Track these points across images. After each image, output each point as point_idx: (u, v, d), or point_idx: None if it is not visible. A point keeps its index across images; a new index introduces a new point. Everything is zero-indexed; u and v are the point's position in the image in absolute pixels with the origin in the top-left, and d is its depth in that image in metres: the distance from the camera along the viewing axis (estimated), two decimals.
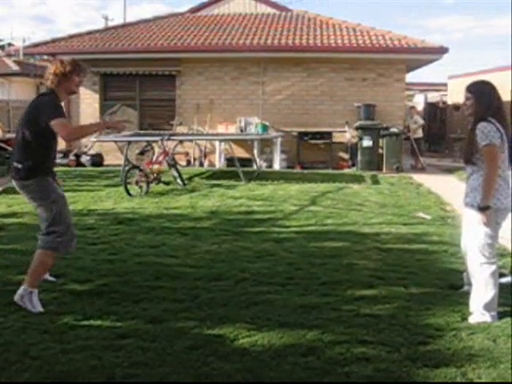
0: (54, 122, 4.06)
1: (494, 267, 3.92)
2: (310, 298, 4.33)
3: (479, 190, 3.90)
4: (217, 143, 14.28)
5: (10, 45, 17.27)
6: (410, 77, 20.28)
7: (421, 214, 7.88)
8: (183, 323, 3.84)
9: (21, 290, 4.20)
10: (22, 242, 6.20)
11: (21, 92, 22.52)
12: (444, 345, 3.49)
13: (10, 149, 15.64)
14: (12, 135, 16.59)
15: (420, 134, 15.30)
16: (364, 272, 5.08)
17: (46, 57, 15.69)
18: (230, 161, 13.26)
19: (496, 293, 3.90)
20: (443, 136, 20.32)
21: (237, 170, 11.40)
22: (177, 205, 8.64)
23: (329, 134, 14.15)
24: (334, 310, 4.06)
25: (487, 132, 3.80)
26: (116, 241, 6.34)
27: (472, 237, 3.99)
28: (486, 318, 3.86)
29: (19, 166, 4.21)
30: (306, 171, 13.39)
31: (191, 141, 14.11)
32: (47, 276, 4.85)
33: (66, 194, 9.49)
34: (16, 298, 4.21)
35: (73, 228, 4.38)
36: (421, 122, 15.35)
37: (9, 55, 17.83)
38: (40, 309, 4.16)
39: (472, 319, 3.88)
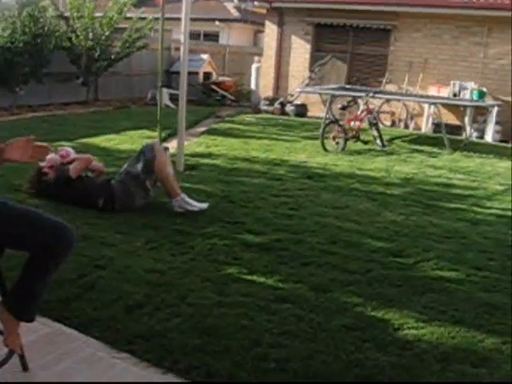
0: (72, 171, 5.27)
1: None
2: (497, 296, 3.72)
3: None
4: (426, 106, 13.38)
5: None
6: None
7: None
8: (348, 297, 3.55)
9: (174, 203, 5.12)
10: (210, 183, 6.32)
11: (239, 38, 23.33)
12: None
13: (220, 91, 16.34)
14: (225, 78, 17.31)
15: None
16: None
17: (257, 3, 15.83)
18: (438, 126, 12.35)
19: None
20: None
21: (443, 136, 10.56)
22: (371, 166, 8.23)
23: None
24: None
25: None
26: (300, 196, 6.19)
27: None
28: None
29: None
30: None
31: (398, 100, 13.39)
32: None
33: (264, 141, 9.71)
34: (176, 209, 5.09)
35: None
36: None
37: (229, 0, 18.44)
38: (199, 205, 5.12)
39: None
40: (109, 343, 2.92)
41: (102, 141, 8.82)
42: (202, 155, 8.18)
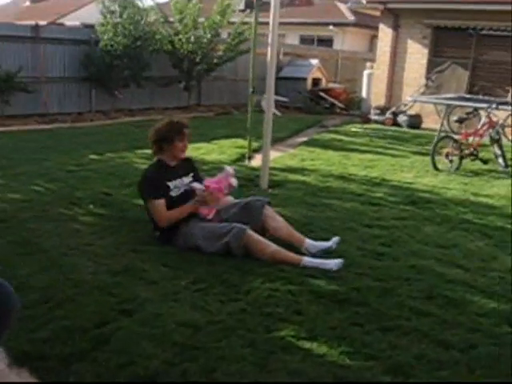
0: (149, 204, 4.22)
1: None
2: None
3: None
4: None
5: None
6: None
7: None
8: None
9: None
10: (291, 205, 5.45)
11: (354, 43, 22.26)
12: None
13: (329, 99, 15.42)
14: (334, 85, 16.35)
15: None
16: None
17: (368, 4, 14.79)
18: None
19: None
20: None
21: None
22: (489, 192, 6.96)
23: None
24: None
25: None
26: (397, 227, 5.15)
27: None
28: None
29: None
30: None
31: None
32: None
33: (367, 156, 8.68)
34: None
35: None
36: None
37: (343, 1, 17.51)
38: (330, 264, 3.90)
39: None
40: None
41: (189, 150, 8.20)
42: (294, 170, 7.35)
